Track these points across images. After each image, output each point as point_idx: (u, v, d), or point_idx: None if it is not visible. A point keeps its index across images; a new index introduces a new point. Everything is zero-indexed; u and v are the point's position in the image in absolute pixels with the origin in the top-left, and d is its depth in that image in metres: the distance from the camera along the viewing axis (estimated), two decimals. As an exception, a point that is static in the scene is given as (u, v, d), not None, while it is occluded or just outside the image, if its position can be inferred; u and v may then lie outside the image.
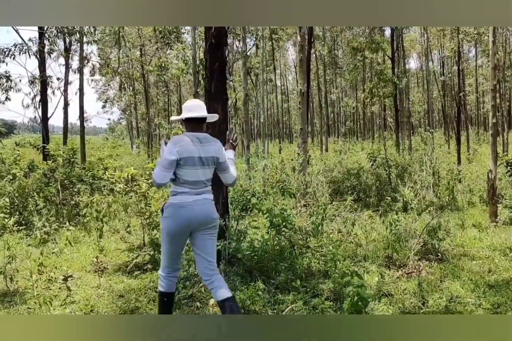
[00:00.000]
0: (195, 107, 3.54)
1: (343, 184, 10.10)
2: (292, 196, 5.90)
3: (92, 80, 20.80)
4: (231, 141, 3.87)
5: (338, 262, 4.42)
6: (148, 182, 6.51)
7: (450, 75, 33.28)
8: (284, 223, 5.04)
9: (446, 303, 4.07)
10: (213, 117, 3.78)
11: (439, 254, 5.41)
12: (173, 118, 3.91)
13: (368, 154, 11.34)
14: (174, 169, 3.36)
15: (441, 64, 34.42)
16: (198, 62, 7.96)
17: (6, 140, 34.36)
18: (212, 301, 4.29)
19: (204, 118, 3.60)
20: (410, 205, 7.72)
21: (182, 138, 3.43)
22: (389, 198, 8.16)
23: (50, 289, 4.80)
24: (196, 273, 4.71)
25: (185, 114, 3.53)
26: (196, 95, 7.43)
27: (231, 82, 22.28)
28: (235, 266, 4.82)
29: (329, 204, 6.59)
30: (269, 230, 5.12)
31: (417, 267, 4.96)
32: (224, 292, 3.37)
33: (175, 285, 3.67)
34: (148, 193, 6.33)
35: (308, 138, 11.47)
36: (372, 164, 11.00)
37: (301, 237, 5.37)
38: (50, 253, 5.27)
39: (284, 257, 4.90)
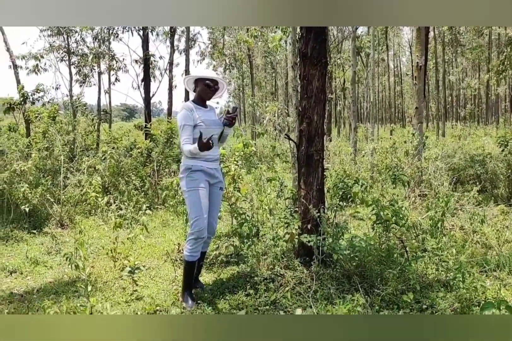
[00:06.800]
0: (207, 72, 3.80)
1: (465, 172, 8.70)
2: (406, 184, 4.80)
3: (198, 61, 20.58)
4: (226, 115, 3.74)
5: (466, 274, 3.34)
6: (238, 163, 5.85)
7: None
8: (394, 218, 4.01)
9: None
10: (223, 87, 3.83)
11: None
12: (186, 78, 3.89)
13: (498, 138, 9.65)
14: None
15: None
16: (298, 29, 7.04)
17: (128, 123, 36.38)
18: (299, 311, 3.49)
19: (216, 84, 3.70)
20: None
21: None
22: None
23: (122, 279, 4.31)
24: (282, 272, 3.92)
25: (196, 73, 3.79)
26: (294, 67, 6.54)
27: (339, 60, 20.97)
28: (330, 268, 3.92)
29: (452, 195, 5.38)
30: (374, 225, 4.13)
31: None
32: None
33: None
34: (236, 176, 5.67)
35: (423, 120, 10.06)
36: (503, 150, 9.33)
37: (415, 236, 4.30)
38: (125, 238, 4.80)
39: (393, 261, 3.89)
